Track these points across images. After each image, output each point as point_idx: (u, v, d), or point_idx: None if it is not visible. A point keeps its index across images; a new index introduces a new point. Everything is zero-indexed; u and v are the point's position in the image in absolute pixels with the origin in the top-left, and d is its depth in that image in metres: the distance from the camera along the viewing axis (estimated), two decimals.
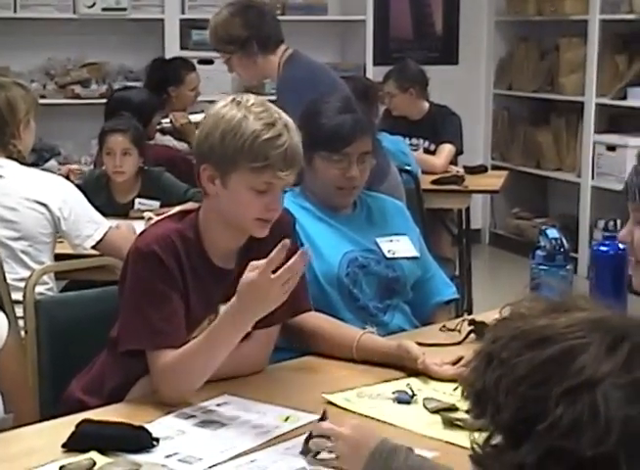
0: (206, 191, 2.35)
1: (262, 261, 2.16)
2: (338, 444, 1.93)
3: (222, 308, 2.38)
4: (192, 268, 2.35)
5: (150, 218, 4.18)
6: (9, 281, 3.36)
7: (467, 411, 1.19)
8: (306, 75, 3.84)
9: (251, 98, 2.34)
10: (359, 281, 2.86)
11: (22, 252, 3.48)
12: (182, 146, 5.35)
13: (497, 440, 1.14)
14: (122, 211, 4.38)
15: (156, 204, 4.47)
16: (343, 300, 2.83)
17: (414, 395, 2.34)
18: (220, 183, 2.32)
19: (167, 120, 5.33)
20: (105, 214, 3.70)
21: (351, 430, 1.92)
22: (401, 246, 2.96)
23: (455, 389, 2.26)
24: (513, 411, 1.12)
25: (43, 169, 4.00)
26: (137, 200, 4.50)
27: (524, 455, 1.10)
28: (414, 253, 2.97)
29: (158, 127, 5.26)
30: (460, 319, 2.94)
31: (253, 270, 2.16)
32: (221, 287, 2.39)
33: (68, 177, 4.26)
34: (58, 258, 3.60)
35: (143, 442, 2.06)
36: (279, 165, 2.27)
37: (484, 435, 1.15)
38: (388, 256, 2.91)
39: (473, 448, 1.18)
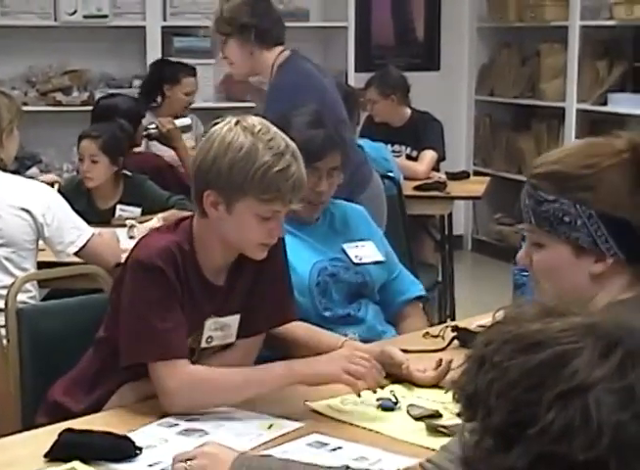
0: (207, 215, 2.33)
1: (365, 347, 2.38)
2: (197, 461, 1.93)
3: (208, 323, 2.38)
4: (187, 282, 2.34)
5: (132, 226, 4.17)
6: None
7: (457, 414, 1.19)
8: (298, 80, 3.84)
9: (256, 122, 2.31)
10: (329, 289, 2.88)
11: (6, 259, 3.47)
12: (168, 151, 5.33)
13: (488, 443, 1.14)
14: (103, 217, 4.37)
15: (137, 210, 4.46)
16: (315, 309, 2.84)
17: (397, 401, 2.34)
18: (225, 209, 2.30)
19: (154, 126, 5.32)
20: (86, 221, 3.69)
21: (210, 447, 1.95)
22: (367, 251, 2.99)
23: (446, 392, 2.27)
24: (504, 415, 1.12)
25: (25, 177, 3.99)
26: (118, 206, 4.49)
27: (514, 459, 1.10)
28: (380, 257, 3.00)
29: (144, 133, 5.25)
30: (443, 325, 2.95)
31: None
32: (210, 302, 2.40)
33: (52, 185, 4.25)
34: (40, 266, 3.59)
35: (126, 451, 2.06)
36: (288, 196, 2.29)
37: (475, 438, 1.15)
38: (356, 261, 2.95)
39: (463, 451, 1.18)
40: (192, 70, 5.93)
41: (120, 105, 5.11)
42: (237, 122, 2.30)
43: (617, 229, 1.86)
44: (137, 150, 5.15)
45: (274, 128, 2.32)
